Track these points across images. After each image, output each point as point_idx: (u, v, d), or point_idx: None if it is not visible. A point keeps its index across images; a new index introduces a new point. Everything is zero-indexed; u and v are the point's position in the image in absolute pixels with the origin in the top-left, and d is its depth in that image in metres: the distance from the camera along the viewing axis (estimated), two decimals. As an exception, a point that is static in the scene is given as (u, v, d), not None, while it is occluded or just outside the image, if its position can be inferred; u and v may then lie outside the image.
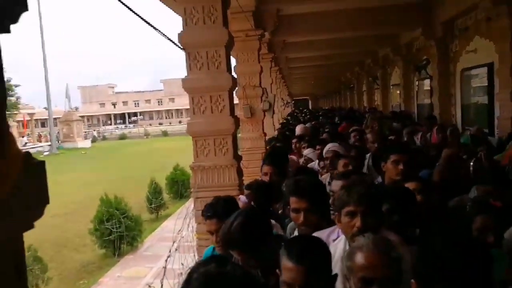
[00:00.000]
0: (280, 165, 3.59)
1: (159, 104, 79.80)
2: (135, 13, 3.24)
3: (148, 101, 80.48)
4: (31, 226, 0.83)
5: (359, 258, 1.49)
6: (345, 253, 1.63)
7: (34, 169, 0.79)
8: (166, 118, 78.98)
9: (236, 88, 4.87)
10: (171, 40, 3.48)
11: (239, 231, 1.90)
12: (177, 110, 78.57)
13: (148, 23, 3.30)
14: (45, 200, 0.83)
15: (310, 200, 2.18)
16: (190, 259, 3.25)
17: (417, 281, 1.45)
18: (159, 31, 3.37)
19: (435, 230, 2.29)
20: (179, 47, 3.55)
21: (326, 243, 1.72)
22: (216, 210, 2.34)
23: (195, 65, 3.58)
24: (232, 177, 3.56)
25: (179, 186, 15.08)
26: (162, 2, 4.42)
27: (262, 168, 3.59)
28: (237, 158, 3.74)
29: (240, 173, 3.71)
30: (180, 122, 73.56)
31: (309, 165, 4.70)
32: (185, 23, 3.58)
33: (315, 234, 2.10)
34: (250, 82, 6.74)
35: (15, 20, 0.77)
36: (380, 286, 1.43)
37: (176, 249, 3.11)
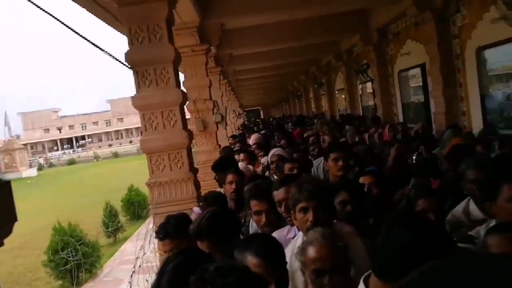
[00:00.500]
0: (243, 173, 3.65)
1: (107, 125, 77.49)
2: (80, 35, 3.25)
3: (95, 123, 77.90)
4: (1, 244, 0.88)
5: (310, 252, 1.60)
6: (298, 248, 1.71)
7: (1, 189, 0.84)
8: (116, 139, 76.77)
9: (187, 103, 4.93)
10: (118, 60, 3.51)
11: (208, 223, 2.01)
12: (126, 129, 76.66)
13: (94, 45, 3.32)
14: (13, 218, 0.88)
15: (269, 202, 2.31)
16: (153, 279, 3.25)
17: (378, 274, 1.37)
18: (105, 51, 3.40)
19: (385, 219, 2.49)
20: (126, 66, 3.58)
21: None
22: (167, 231, 2.32)
23: (143, 83, 3.62)
24: (189, 190, 3.62)
25: (135, 207, 14.76)
26: (106, 23, 4.43)
27: (226, 177, 3.50)
28: (193, 171, 3.81)
29: (197, 185, 3.77)
30: (130, 142, 71.75)
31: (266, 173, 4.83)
32: (130, 42, 3.62)
33: (274, 233, 2.22)
34: (200, 96, 6.83)
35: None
36: (331, 275, 1.55)
37: (140, 266, 3.08)
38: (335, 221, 2.14)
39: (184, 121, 3.83)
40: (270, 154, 4.58)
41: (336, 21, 9.09)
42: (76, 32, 3.19)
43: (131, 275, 2.76)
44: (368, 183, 2.88)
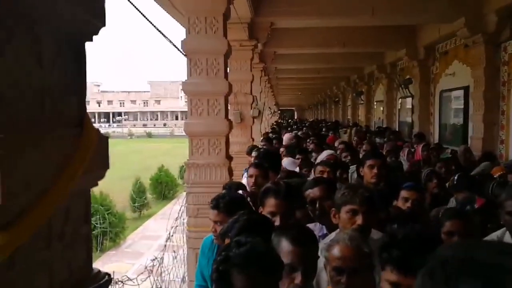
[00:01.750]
0: (265, 169, 3.57)
1: (144, 105, 79.42)
2: (144, 16, 3.54)
3: (133, 101, 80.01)
4: (96, 184, 1.13)
5: (335, 250, 1.68)
6: (325, 244, 1.78)
7: (103, 140, 1.08)
8: (151, 119, 78.65)
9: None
10: (175, 46, 3.78)
11: (238, 226, 1.94)
12: (162, 112, 78.35)
13: (155, 27, 3.60)
14: (107, 166, 1.13)
15: (288, 203, 2.21)
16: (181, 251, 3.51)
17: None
18: (165, 36, 3.67)
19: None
20: (182, 53, 3.85)
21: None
22: (218, 204, 2.35)
23: (195, 71, 3.89)
24: (223, 175, 3.87)
25: (163, 187, 15.25)
26: (167, 12, 4.73)
27: (248, 170, 3.52)
28: (229, 158, 4.06)
29: (230, 172, 4.01)
30: (164, 124, 73.32)
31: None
32: (188, 31, 3.90)
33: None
34: (242, 89, 7.07)
35: (96, 32, 1.08)
36: (349, 276, 1.63)
37: (169, 238, 3.32)
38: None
39: (227, 111, 4.08)
40: (323, 156, 4.63)
41: (384, 33, 9.12)
42: (140, 12, 3.47)
43: (165, 242, 2.95)
44: (412, 199, 2.90)
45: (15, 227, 0.71)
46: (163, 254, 3.18)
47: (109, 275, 1.08)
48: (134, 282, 1.83)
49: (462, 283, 0.56)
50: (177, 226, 4.14)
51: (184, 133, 4.12)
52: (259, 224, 1.99)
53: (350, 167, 4.71)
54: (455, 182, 3.69)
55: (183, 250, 3.69)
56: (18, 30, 0.76)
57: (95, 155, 0.97)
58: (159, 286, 2.48)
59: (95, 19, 1.00)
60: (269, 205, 2.18)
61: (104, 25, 1.07)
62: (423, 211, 3.06)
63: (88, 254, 1.04)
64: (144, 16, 3.48)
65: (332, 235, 2.10)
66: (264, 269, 1.31)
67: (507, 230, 2.37)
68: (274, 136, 9.13)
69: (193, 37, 3.87)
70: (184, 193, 11.00)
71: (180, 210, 3.95)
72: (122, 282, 1.08)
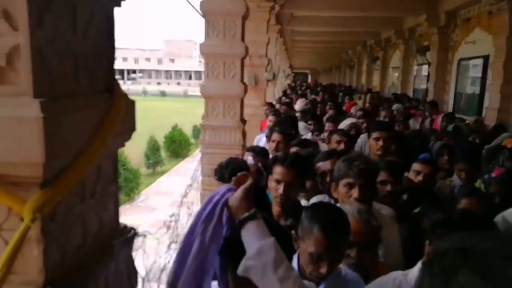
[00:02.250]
0: (289, 135, 3.59)
1: (158, 64, 78.95)
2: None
3: (148, 59, 79.48)
4: (123, 145, 1.19)
5: None
6: None
7: (130, 104, 1.14)
8: (165, 78, 78.40)
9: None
10: (193, 6, 3.76)
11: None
12: (176, 71, 77.91)
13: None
14: (134, 128, 1.18)
15: (296, 174, 2.15)
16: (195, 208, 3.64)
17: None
18: (183, -3, 3.63)
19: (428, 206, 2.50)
20: (200, 14, 3.83)
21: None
22: (223, 175, 2.38)
23: (212, 32, 3.87)
24: (237, 137, 3.94)
25: (176, 145, 15.48)
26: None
27: (271, 135, 3.51)
28: (243, 121, 4.11)
29: (244, 134, 4.08)
30: (178, 83, 73.14)
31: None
32: (206, -8, 3.85)
33: (313, 199, 2.32)
34: (257, 52, 7.00)
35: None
36: (358, 250, 1.61)
37: (189, 188, 3.44)
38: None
39: (242, 74, 4.09)
40: (345, 124, 4.55)
41: (405, -4, 8.85)
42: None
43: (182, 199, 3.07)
44: (425, 173, 2.85)
45: (56, 184, 0.79)
46: (180, 210, 3.31)
47: (134, 229, 1.17)
48: (154, 236, 1.91)
49: (461, 275, 0.57)
50: (191, 184, 4.26)
51: (197, 93, 4.17)
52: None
53: (361, 136, 4.70)
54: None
55: (197, 207, 3.84)
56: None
57: (123, 119, 1.02)
58: (175, 241, 2.62)
59: (123, -14, 1.03)
60: (276, 172, 2.13)
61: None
62: (434, 185, 3.03)
63: (116, 210, 1.12)
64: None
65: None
66: None
67: None
68: (286, 101, 9.06)
69: (211, -2, 3.82)
70: (197, 152, 11.12)
71: (195, 169, 4.05)
72: (144, 235, 1.15)
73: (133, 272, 1.15)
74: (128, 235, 1.12)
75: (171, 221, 2.81)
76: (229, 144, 3.90)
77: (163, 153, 14.89)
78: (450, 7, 8.60)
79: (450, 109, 8.93)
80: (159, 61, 78.69)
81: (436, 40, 9.44)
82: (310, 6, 9.34)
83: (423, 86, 10.95)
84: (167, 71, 78.77)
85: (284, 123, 4.00)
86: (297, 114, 6.62)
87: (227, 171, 2.39)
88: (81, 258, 0.92)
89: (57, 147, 0.76)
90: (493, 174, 3.24)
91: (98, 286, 0.94)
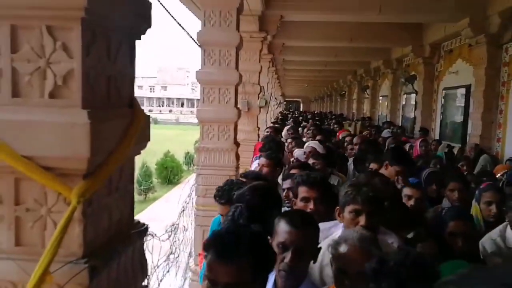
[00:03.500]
0: (277, 160, 3.64)
1: (151, 91, 79.68)
2: (164, 7, 3.80)
3: (140, 87, 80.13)
4: (139, 153, 1.40)
5: (342, 249, 1.58)
6: (333, 241, 1.69)
7: (146, 118, 1.36)
8: (157, 106, 78.97)
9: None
10: (190, 36, 4.05)
11: (250, 192, 2.09)
12: (168, 98, 78.59)
13: (175, 19, 3.87)
14: (148, 138, 1.40)
15: (320, 191, 2.28)
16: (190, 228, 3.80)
17: None
18: (183, 27, 3.94)
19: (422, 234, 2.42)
20: (196, 43, 4.12)
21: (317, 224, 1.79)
22: (230, 197, 2.35)
23: (208, 60, 4.16)
24: (231, 159, 4.16)
25: (168, 172, 15.60)
26: (184, 5, 4.98)
27: (260, 160, 3.60)
28: (237, 144, 4.34)
29: (237, 157, 4.30)
30: (170, 111, 73.62)
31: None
32: (203, 24, 4.16)
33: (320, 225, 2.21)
34: (250, 79, 7.32)
35: (144, 33, 1.36)
36: (355, 279, 1.49)
37: (184, 207, 3.63)
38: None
39: (236, 100, 4.36)
40: (305, 146, 4.69)
41: (391, 29, 9.33)
42: (160, 2, 3.73)
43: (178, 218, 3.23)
44: (416, 197, 2.85)
45: (95, 176, 1.00)
46: (178, 223, 3.49)
47: (146, 224, 1.38)
48: (159, 239, 2.09)
49: None
50: (184, 210, 4.43)
51: (189, 121, 4.41)
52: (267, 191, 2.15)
53: (349, 159, 4.92)
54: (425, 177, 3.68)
55: (191, 228, 4.01)
56: (98, 33, 1.04)
57: (142, 129, 1.25)
58: (173, 252, 2.78)
59: (145, 24, 1.29)
60: (301, 192, 2.26)
61: (150, 26, 1.35)
62: (424, 209, 3.02)
63: (132, 206, 1.34)
64: (164, 7, 3.74)
65: (340, 231, 2.01)
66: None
67: (510, 225, 2.49)
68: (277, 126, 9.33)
69: (208, 29, 4.13)
70: (189, 178, 11.20)
71: (188, 194, 4.25)
72: (152, 235, 1.31)
73: (145, 260, 1.35)
74: (142, 228, 1.32)
75: (171, 231, 2.98)
76: (223, 165, 4.11)
77: (155, 180, 15.00)
78: (434, 39, 9.11)
79: (437, 136, 9.28)
80: (151, 89, 79.43)
81: (422, 70, 9.92)
82: (300, 37, 9.79)
83: (411, 115, 11.36)
84: (159, 98, 79.40)
85: (272, 148, 4.14)
86: (290, 141, 6.80)
87: (233, 192, 2.34)
88: (107, 240, 1.12)
89: (97, 146, 0.98)
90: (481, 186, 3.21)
91: (119, 264, 1.14)
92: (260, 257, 1.35)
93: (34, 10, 0.95)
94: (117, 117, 1.13)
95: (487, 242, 2.54)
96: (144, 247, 1.40)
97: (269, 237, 1.67)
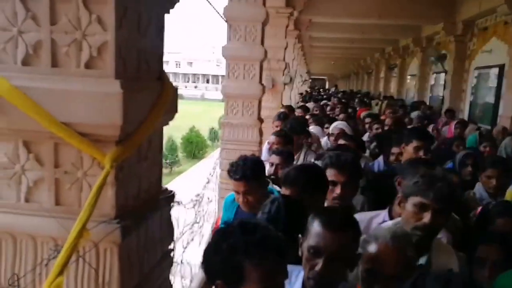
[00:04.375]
0: (287, 137, 3.44)
1: (177, 67, 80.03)
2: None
3: (166, 62, 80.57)
4: (167, 124, 1.46)
5: (372, 248, 1.42)
6: (362, 238, 1.52)
7: (175, 90, 1.41)
8: (183, 81, 79.42)
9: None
10: (217, 12, 4.07)
11: (296, 172, 2.00)
12: (194, 74, 78.87)
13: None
14: (176, 110, 1.46)
15: (349, 175, 2.15)
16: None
17: None
18: (209, 2, 3.96)
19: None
20: (223, 19, 4.14)
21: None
22: (245, 172, 2.27)
23: (234, 36, 4.18)
24: (255, 135, 4.22)
25: (193, 146, 15.88)
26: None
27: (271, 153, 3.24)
28: (260, 120, 4.39)
29: (261, 132, 4.36)
30: (195, 87, 74.02)
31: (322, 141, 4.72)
32: (230, -1, 4.16)
33: (357, 215, 1.98)
34: (275, 56, 7.29)
35: (173, 7, 1.40)
36: (384, 283, 1.37)
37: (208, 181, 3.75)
38: None
39: (261, 76, 4.38)
40: (332, 126, 4.48)
41: (422, 5, 9.03)
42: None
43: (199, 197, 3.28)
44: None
45: (127, 143, 1.07)
46: (203, 193, 3.61)
47: (173, 191, 1.45)
48: (184, 207, 2.14)
49: None
50: (208, 182, 4.54)
51: (214, 97, 4.47)
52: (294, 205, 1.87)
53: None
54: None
55: (216, 200, 4.13)
56: (128, 7, 1.09)
57: (170, 101, 1.31)
58: (198, 221, 2.89)
59: (173, -2, 1.33)
60: (330, 175, 2.11)
61: (178, 1, 1.39)
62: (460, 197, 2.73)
63: (160, 175, 1.41)
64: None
65: (388, 223, 1.85)
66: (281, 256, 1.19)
67: None
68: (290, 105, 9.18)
69: (235, 4, 4.13)
70: (213, 153, 11.36)
71: (214, 165, 4.35)
72: (178, 203, 1.37)
73: (171, 225, 1.43)
74: (169, 195, 1.40)
75: (196, 201, 3.09)
76: (247, 141, 4.18)
77: (180, 154, 15.30)
78: (467, 16, 8.76)
79: (465, 117, 9.04)
80: (177, 64, 79.76)
81: (453, 49, 9.61)
82: (328, 13, 9.60)
83: (440, 94, 11.07)
84: (185, 74, 79.74)
85: (294, 125, 3.93)
86: (307, 117, 6.76)
87: (248, 168, 2.28)
88: (137, 204, 1.20)
89: (129, 115, 1.04)
90: None
91: (148, 226, 1.22)
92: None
93: (72, -16, 1.00)
94: (147, 88, 1.19)
95: None
96: (171, 213, 1.48)
97: (299, 236, 1.49)
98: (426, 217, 1.66)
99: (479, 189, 2.98)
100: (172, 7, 1.40)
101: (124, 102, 1.01)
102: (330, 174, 2.13)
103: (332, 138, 4.20)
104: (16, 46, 1.04)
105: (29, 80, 1.02)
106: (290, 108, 7.01)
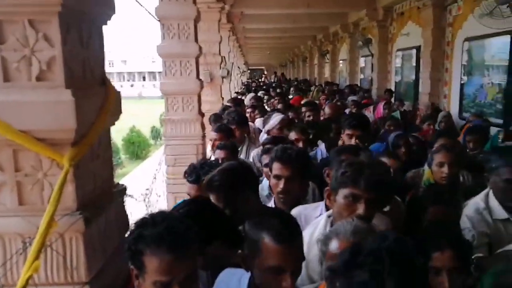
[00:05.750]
0: (228, 131, 3.45)
1: (110, 66, 76.96)
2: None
3: (98, 62, 77.17)
4: (114, 124, 1.60)
5: (333, 246, 1.36)
6: (322, 236, 1.48)
7: (118, 94, 1.56)
8: (118, 81, 76.58)
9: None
10: (149, 13, 4.15)
11: (220, 177, 1.89)
12: (129, 73, 76.39)
13: (130, -3, 3.95)
14: (120, 111, 1.60)
15: (294, 169, 2.08)
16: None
17: None
18: (140, 3, 4.03)
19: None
20: (155, 18, 4.23)
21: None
22: (199, 177, 2.19)
23: (168, 35, 4.28)
24: (197, 129, 4.38)
25: (135, 147, 15.60)
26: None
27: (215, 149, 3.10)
28: (201, 114, 4.55)
29: (203, 126, 4.52)
30: (132, 85, 71.76)
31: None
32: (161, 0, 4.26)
33: (300, 208, 2.03)
34: (210, 50, 7.43)
35: (110, 19, 1.55)
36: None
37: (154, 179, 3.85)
38: None
39: (198, 71, 4.53)
40: (274, 120, 4.04)
41: (347, -7, 9.54)
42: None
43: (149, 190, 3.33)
44: (394, 168, 2.57)
45: (81, 144, 1.22)
46: (152, 187, 3.70)
47: (124, 185, 1.61)
48: (135, 199, 2.15)
49: None
50: (155, 177, 4.63)
51: (152, 95, 4.55)
52: (241, 170, 1.95)
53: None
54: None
55: (164, 196, 4.25)
56: (71, 24, 1.23)
57: (115, 103, 1.46)
58: (151, 210, 2.96)
59: (110, 11, 1.47)
60: (275, 168, 2.09)
61: (115, 13, 1.53)
62: (401, 180, 2.82)
63: (111, 170, 1.56)
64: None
65: (323, 216, 1.79)
66: (181, 250, 1.15)
67: (496, 195, 2.19)
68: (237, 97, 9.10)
69: (165, 4, 4.24)
70: (156, 152, 11.26)
71: (160, 161, 4.45)
72: (131, 196, 1.47)
73: (126, 215, 1.59)
74: (121, 188, 1.56)
75: (145, 195, 3.20)
76: (190, 135, 4.33)
77: (122, 156, 14.99)
78: (386, 2, 9.41)
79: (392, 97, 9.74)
80: (110, 63, 76.74)
81: (377, 33, 10.26)
82: (258, 5, 9.87)
83: (369, 77, 11.78)
84: (119, 73, 76.96)
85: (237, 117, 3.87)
86: (249, 110, 6.75)
87: (203, 172, 2.17)
88: (94, 198, 1.35)
89: (81, 119, 1.19)
90: None
91: (106, 217, 1.38)
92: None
93: (17, 7, 1.13)
94: (94, 94, 1.34)
95: (474, 216, 2.16)
96: (124, 205, 1.64)
97: (240, 251, 1.41)
98: (360, 208, 1.59)
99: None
100: (110, 19, 1.55)
101: (76, 108, 1.16)
102: (275, 168, 2.10)
103: (275, 131, 3.91)
104: (-32, 64, 1.15)
105: (-16, 95, 1.14)
106: (236, 101, 6.92)
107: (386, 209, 2.08)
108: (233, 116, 3.85)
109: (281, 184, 2.05)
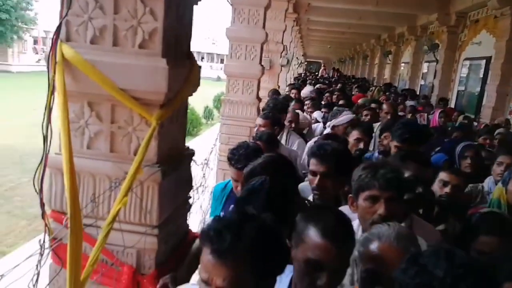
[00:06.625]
0: (275, 119, 3.41)
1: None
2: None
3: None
4: (191, 94, 1.79)
5: (373, 247, 1.32)
6: (361, 237, 1.45)
7: (199, 68, 1.73)
8: (178, 58, 78.48)
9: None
10: (223, -4, 4.33)
11: (261, 168, 1.84)
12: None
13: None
14: (199, 83, 1.77)
15: (329, 165, 2.03)
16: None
17: None
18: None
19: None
20: (229, 2, 4.41)
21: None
22: (247, 163, 2.07)
23: (238, 19, 4.46)
24: (253, 112, 4.55)
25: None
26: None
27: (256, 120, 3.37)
28: (258, 99, 4.71)
29: (259, 111, 4.68)
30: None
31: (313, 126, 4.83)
32: (234, -17, 4.43)
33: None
34: (274, 38, 7.55)
35: (199, -1, 1.72)
36: (387, 282, 1.21)
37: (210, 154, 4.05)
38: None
39: (261, 57, 4.68)
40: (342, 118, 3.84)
41: (419, -5, 9.29)
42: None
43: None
44: (454, 184, 2.43)
45: (168, 106, 1.41)
46: (209, 158, 3.88)
47: (193, 150, 1.80)
48: (196, 164, 2.14)
49: None
50: (212, 150, 4.78)
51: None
52: (282, 164, 1.90)
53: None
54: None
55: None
56: (173, 2, 1.41)
57: (196, 76, 1.64)
58: (203, 184, 3.17)
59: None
60: (311, 164, 2.07)
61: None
62: (461, 199, 2.56)
63: (184, 135, 1.75)
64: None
65: (356, 222, 1.70)
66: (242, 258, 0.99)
67: None
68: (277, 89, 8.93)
69: (238, -12, 4.40)
70: (206, 131, 11.62)
71: (215, 139, 4.66)
72: (194, 161, 1.61)
73: (191, 176, 1.78)
74: (191, 152, 1.75)
75: (205, 163, 3.41)
76: (246, 117, 4.51)
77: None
78: (461, 8, 9.06)
79: (452, 106, 9.42)
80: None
81: (445, 39, 9.92)
82: (327, -2, 9.84)
83: (431, 83, 11.42)
84: (181, 51, 78.71)
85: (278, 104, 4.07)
86: (307, 102, 6.80)
87: (250, 156, 2.13)
88: (170, 155, 1.55)
89: (171, 85, 1.37)
90: None
91: (177, 173, 1.57)
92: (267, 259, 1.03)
93: (132, -17, 1.32)
94: (182, 65, 1.52)
95: None
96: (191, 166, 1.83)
97: (287, 241, 1.30)
98: (380, 208, 1.61)
99: (488, 182, 2.86)
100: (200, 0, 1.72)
101: (169, 75, 1.35)
102: (311, 163, 2.09)
103: (341, 128, 3.74)
104: (86, 29, 1.36)
105: (96, 55, 1.35)
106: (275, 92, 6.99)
107: (441, 227, 2.06)
108: (276, 102, 3.98)
109: (316, 180, 2.04)
